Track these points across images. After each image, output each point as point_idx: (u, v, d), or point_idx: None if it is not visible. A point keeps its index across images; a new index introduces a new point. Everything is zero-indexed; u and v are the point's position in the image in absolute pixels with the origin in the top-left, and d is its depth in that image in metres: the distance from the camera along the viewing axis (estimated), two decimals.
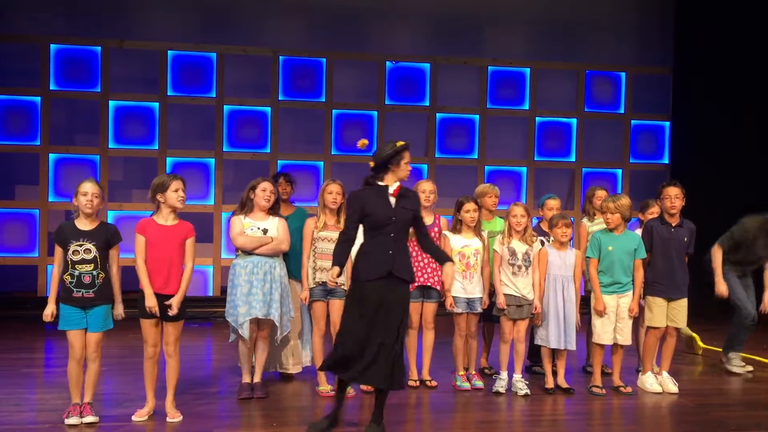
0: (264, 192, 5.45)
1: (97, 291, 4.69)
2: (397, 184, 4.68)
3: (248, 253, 5.40)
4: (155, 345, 4.88)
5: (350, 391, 5.47)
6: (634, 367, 6.30)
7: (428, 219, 5.78)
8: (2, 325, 8.28)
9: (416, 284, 5.66)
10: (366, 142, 5.03)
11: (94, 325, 4.72)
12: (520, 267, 5.68)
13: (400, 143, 4.69)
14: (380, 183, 4.69)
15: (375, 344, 4.49)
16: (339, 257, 4.69)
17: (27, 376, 6.11)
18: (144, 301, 4.79)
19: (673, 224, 5.79)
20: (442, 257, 4.93)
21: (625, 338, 5.76)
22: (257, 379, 5.47)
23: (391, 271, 4.57)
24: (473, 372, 5.91)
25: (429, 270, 5.71)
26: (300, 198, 7.37)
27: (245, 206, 5.49)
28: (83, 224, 4.73)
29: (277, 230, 5.46)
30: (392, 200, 4.66)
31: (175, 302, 4.81)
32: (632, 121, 10.43)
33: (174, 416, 4.90)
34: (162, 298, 4.81)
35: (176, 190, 4.85)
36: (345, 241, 4.70)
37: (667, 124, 10.48)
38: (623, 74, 10.40)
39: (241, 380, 5.48)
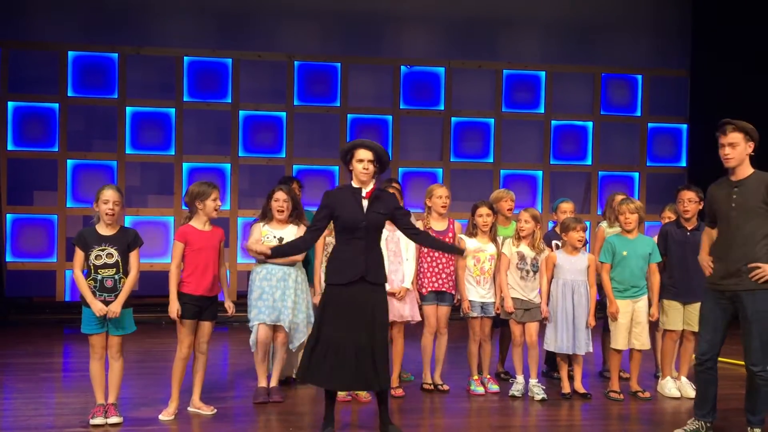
0: (276, 202, 5.50)
1: (118, 295, 4.74)
2: (371, 187, 4.58)
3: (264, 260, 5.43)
4: (190, 346, 5.00)
5: (366, 395, 5.46)
6: (652, 372, 6.24)
7: (442, 224, 5.77)
8: (21, 329, 8.36)
9: (430, 289, 5.67)
10: None
11: (115, 328, 4.78)
12: (528, 272, 5.67)
13: (356, 141, 4.62)
14: (354, 185, 4.62)
15: (354, 349, 4.44)
16: (293, 243, 4.84)
17: (46, 380, 6.15)
18: (174, 305, 4.88)
19: (689, 228, 5.74)
20: (445, 246, 5.23)
21: (642, 343, 5.72)
22: (273, 383, 5.48)
23: (363, 276, 4.51)
24: (488, 376, 5.88)
25: (444, 275, 5.69)
26: (316, 203, 7.35)
27: (266, 214, 5.56)
28: (104, 229, 4.80)
29: (294, 239, 5.46)
30: (365, 203, 4.56)
31: (229, 306, 5.11)
32: (649, 124, 10.35)
33: (209, 409, 5.07)
34: (208, 300, 4.99)
35: (215, 200, 4.99)
36: (310, 231, 4.68)
37: (684, 126, 10.39)
38: (640, 77, 10.32)
39: (257, 384, 5.50)
